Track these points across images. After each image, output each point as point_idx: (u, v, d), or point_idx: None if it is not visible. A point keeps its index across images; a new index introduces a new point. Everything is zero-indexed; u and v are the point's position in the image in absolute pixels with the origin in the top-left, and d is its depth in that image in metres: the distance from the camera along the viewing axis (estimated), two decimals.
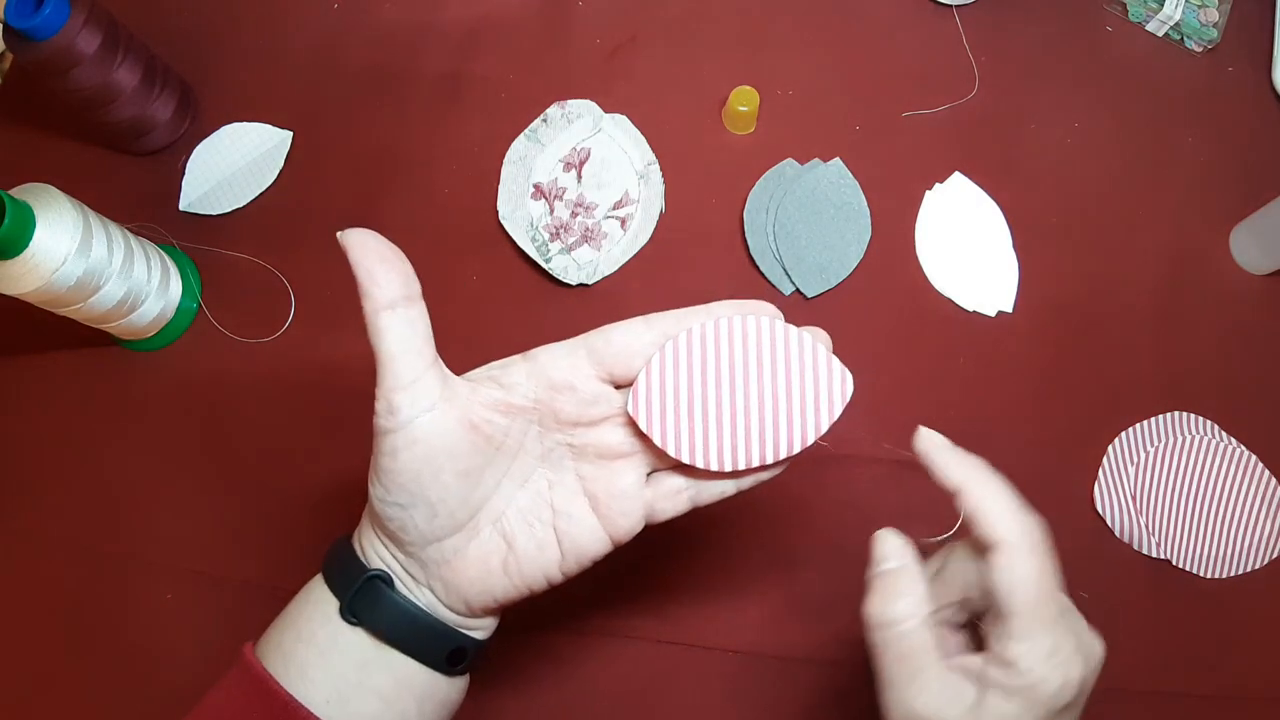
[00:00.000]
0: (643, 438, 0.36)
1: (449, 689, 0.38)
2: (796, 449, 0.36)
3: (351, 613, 0.35)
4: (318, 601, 0.37)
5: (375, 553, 0.36)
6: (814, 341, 0.36)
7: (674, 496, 0.37)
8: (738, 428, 0.35)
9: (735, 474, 0.36)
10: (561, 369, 0.36)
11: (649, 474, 0.37)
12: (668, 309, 0.63)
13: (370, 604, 0.35)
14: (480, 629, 0.38)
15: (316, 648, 0.36)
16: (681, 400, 0.35)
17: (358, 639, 0.36)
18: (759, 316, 0.36)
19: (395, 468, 0.33)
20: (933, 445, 0.36)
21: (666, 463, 0.37)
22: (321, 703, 0.34)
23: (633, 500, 0.36)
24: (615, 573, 0.52)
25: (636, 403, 0.35)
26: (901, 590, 0.35)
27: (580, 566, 0.37)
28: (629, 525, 0.36)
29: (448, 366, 0.64)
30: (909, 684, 0.33)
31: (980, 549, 0.34)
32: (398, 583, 0.36)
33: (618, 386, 0.37)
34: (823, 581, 0.53)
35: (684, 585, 0.53)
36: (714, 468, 0.35)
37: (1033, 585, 0.32)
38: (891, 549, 0.36)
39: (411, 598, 0.36)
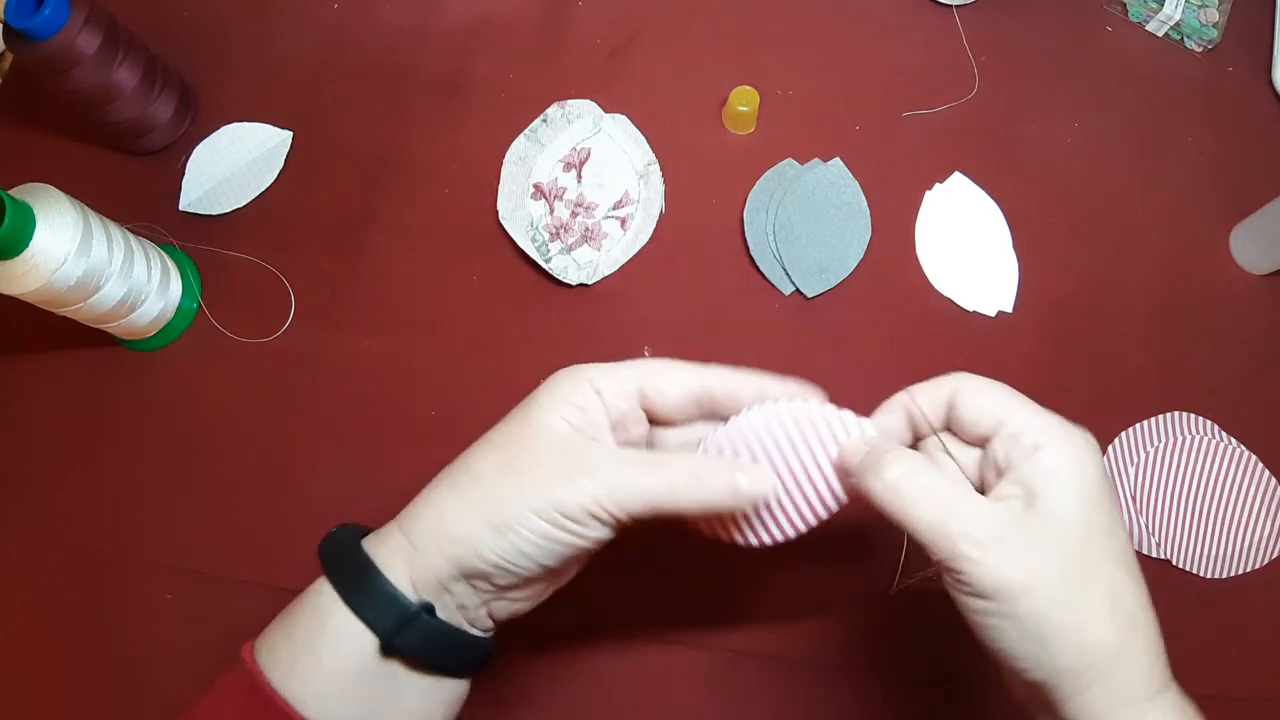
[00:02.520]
0: None
1: (464, 688, 0.38)
2: (823, 515, 0.39)
3: (394, 648, 0.34)
4: (339, 630, 0.34)
5: (437, 579, 0.34)
6: (851, 424, 0.38)
7: None
8: (773, 508, 0.38)
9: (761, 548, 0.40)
10: (620, 409, 0.37)
11: None
12: (668, 309, 0.64)
13: (414, 636, 0.34)
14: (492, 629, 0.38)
15: (343, 678, 0.34)
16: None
17: (391, 667, 0.34)
18: (804, 402, 0.38)
19: (570, 554, 0.34)
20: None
21: None
22: None
23: None
24: (613, 574, 0.52)
25: None
26: (888, 449, 0.35)
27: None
28: None
29: (449, 368, 0.64)
30: (949, 521, 0.32)
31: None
32: (442, 608, 0.35)
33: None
34: (823, 582, 0.53)
35: (684, 585, 0.53)
36: (753, 544, 0.39)
37: (1010, 391, 0.35)
38: (855, 443, 0.37)
39: (445, 617, 0.35)
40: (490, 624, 0.37)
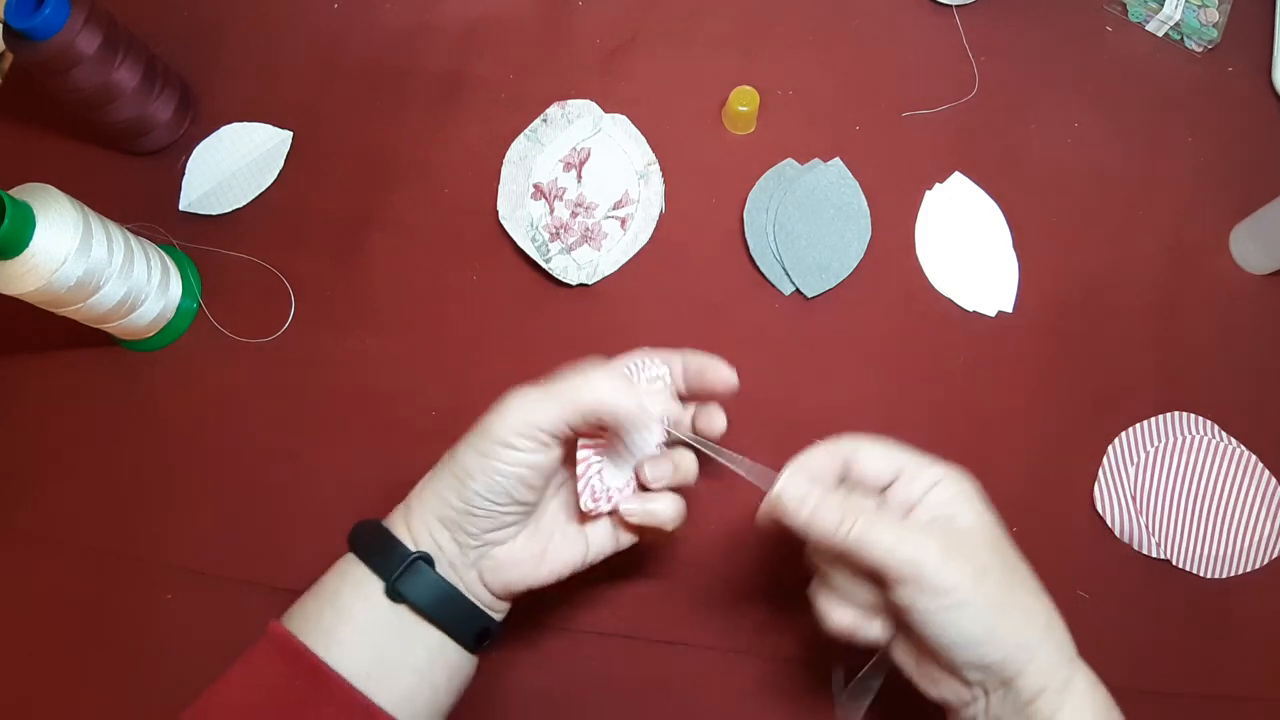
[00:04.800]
0: None
1: (469, 666, 0.42)
2: None
3: (396, 590, 0.39)
4: (357, 581, 0.40)
5: (430, 536, 0.40)
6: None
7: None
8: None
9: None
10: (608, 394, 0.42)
11: None
12: (668, 309, 0.64)
13: (414, 582, 0.39)
14: (499, 612, 0.43)
15: (357, 624, 0.39)
16: None
17: (397, 617, 0.39)
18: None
19: (512, 483, 0.39)
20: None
21: None
22: (362, 675, 0.38)
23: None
24: (615, 574, 0.52)
25: None
26: (835, 505, 0.39)
27: (599, 559, 0.43)
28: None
29: (449, 368, 0.64)
30: (904, 548, 0.37)
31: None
32: (438, 564, 0.40)
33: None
34: None
35: (684, 585, 0.53)
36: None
37: (902, 446, 0.41)
38: (798, 488, 0.40)
39: (448, 579, 0.40)
40: (489, 597, 0.42)
